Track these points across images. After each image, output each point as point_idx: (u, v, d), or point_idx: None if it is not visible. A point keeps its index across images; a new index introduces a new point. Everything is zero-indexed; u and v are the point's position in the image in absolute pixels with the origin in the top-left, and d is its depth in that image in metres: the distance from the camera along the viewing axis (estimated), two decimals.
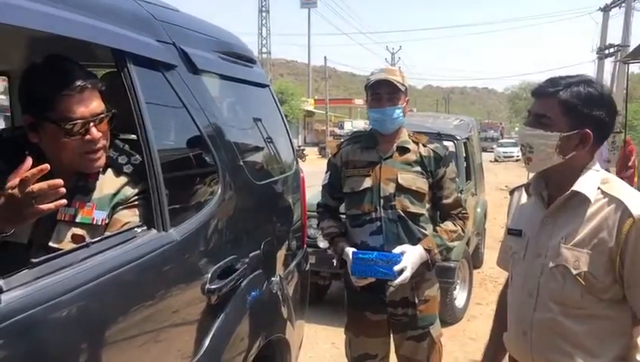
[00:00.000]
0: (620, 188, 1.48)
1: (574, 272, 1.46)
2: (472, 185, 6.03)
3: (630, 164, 11.66)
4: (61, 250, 1.43)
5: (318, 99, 44.56)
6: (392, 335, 2.63)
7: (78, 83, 1.50)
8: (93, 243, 1.35)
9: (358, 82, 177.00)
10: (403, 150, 2.51)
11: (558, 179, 1.54)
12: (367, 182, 2.48)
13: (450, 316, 4.84)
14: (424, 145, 2.54)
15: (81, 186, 1.59)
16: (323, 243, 4.59)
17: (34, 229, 1.52)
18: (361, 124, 31.37)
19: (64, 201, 1.31)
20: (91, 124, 1.53)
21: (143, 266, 1.44)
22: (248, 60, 2.44)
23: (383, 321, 2.57)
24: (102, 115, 1.55)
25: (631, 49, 19.63)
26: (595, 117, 1.46)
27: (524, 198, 1.69)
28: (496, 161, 30.42)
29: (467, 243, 5.23)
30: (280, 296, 2.29)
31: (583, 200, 1.48)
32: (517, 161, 31.73)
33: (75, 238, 1.50)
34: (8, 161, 1.43)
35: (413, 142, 2.54)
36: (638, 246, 1.39)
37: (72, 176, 1.58)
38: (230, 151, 2.00)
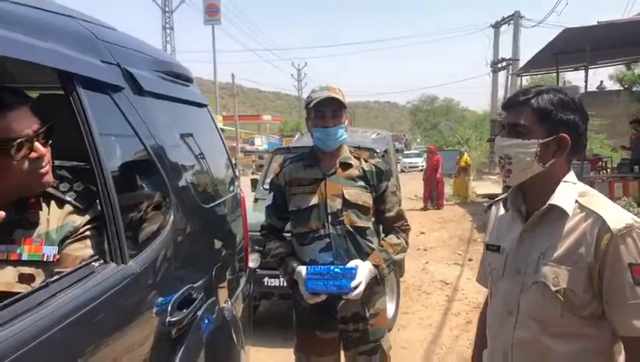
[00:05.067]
0: (597, 202, 1.44)
1: (554, 289, 1.40)
2: None
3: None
4: (5, 293, 1.29)
5: (226, 115, 44.02)
6: (343, 351, 2.63)
7: (11, 100, 1.37)
8: (52, 282, 1.23)
9: (264, 98, 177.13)
10: (346, 165, 2.53)
11: (535, 192, 1.50)
12: (314, 199, 2.47)
13: None
14: (366, 161, 2.58)
15: (20, 220, 1.43)
16: (253, 263, 4.50)
17: None
18: (270, 140, 31.43)
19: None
20: (34, 140, 1.41)
21: (106, 303, 1.33)
22: (186, 79, 2.36)
23: (335, 339, 2.55)
24: (42, 130, 1.43)
25: (521, 63, 21.37)
26: (570, 121, 1.44)
27: (501, 212, 1.65)
28: (402, 171, 31.40)
29: None
30: (232, 323, 2.21)
31: (560, 215, 1.43)
32: (421, 170, 33.02)
33: (24, 278, 1.36)
34: None
35: (355, 157, 2.58)
36: (616, 261, 1.35)
37: (9, 207, 1.42)
38: (179, 175, 1.92)
